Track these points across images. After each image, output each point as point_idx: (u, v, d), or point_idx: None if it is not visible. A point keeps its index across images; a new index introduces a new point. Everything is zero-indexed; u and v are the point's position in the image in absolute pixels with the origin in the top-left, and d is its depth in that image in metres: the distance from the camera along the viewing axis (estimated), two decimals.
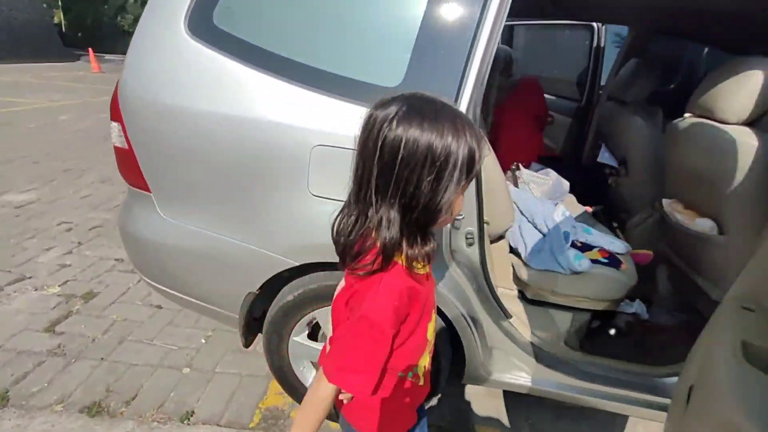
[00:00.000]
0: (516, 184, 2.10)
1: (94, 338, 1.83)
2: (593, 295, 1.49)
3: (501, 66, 2.39)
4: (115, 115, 1.22)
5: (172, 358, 1.75)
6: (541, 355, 1.34)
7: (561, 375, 1.32)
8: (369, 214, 0.58)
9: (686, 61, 2.89)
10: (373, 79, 1.07)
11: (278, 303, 1.29)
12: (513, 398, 1.64)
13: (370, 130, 0.55)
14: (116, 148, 1.27)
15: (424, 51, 1.04)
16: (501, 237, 1.54)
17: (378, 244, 0.59)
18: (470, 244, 1.16)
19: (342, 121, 1.06)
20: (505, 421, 1.59)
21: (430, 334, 0.73)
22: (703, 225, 1.45)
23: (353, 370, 0.63)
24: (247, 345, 1.40)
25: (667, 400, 1.25)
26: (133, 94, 1.18)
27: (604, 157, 2.35)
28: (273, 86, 1.09)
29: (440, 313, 1.19)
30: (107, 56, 16.51)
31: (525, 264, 1.54)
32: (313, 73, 1.09)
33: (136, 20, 1.51)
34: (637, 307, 1.76)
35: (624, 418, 1.61)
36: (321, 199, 1.09)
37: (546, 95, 3.14)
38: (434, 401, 1.45)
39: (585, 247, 1.52)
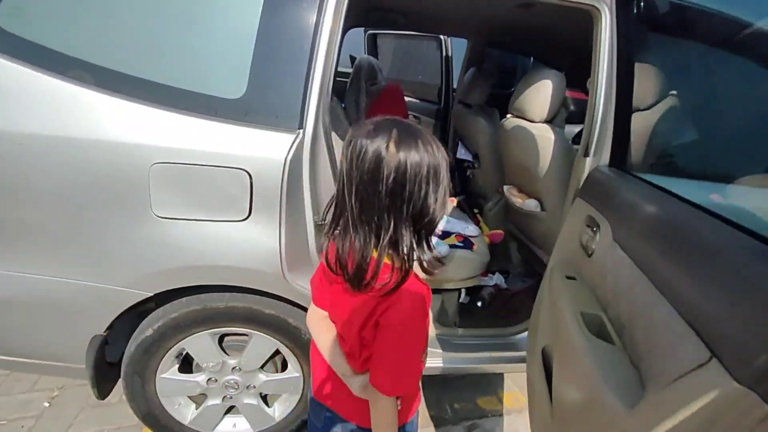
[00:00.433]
0: None
1: None
2: (456, 276, 1.67)
3: (366, 74, 2.53)
4: None
5: None
6: None
7: (445, 353, 1.45)
8: (380, 234, 0.62)
9: (519, 68, 3.42)
10: (214, 92, 1.03)
11: (135, 341, 1.16)
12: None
13: (365, 158, 0.60)
14: None
15: (264, 60, 1.04)
16: None
17: (386, 261, 0.64)
18: None
19: (182, 136, 1.00)
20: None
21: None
22: (530, 205, 1.76)
23: (404, 375, 0.71)
24: (102, 396, 1.22)
25: (523, 353, 1.47)
26: None
27: (461, 153, 2.66)
28: (97, 101, 0.98)
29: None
30: None
31: None
32: (145, 87, 1.01)
33: None
34: (497, 279, 2.04)
35: None
36: (166, 220, 1.00)
37: (413, 99, 3.41)
38: None
39: (444, 235, 1.70)
